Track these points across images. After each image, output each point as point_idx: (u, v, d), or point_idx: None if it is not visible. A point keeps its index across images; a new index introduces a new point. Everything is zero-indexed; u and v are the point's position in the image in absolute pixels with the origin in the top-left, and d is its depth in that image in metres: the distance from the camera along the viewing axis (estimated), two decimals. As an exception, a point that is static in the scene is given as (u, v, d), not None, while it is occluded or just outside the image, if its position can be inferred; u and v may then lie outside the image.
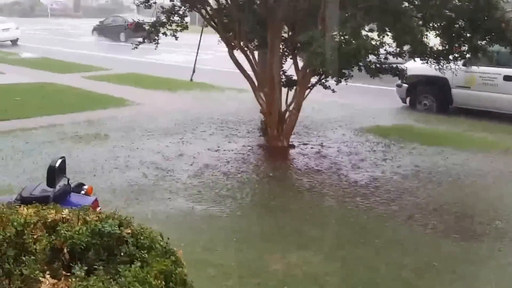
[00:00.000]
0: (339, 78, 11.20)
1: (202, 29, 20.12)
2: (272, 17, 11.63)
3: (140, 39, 12.63)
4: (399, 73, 12.09)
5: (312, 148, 12.43)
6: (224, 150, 12.09)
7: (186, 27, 12.97)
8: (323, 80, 12.21)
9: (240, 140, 12.98)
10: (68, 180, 5.71)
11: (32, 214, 3.57)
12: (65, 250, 3.32)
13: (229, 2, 12.18)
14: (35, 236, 3.39)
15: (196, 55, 21.33)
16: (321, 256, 7.32)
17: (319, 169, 11.06)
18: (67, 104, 16.53)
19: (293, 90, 12.35)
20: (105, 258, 3.35)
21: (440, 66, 11.65)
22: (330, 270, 7.00)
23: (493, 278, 6.95)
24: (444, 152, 11.99)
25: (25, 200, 4.98)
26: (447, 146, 12.43)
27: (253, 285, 6.60)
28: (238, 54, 12.52)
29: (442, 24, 10.77)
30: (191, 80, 20.66)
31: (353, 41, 9.59)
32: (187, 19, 13.25)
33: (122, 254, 3.38)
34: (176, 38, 12.68)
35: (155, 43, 12.68)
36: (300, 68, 11.91)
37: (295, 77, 12.29)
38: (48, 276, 3.12)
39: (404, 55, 11.75)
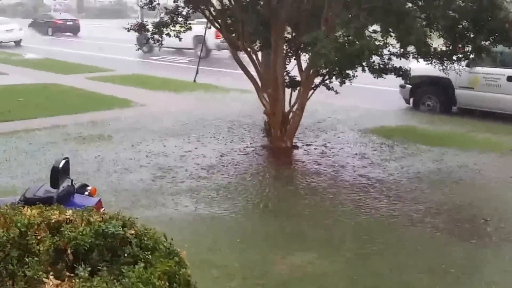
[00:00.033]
0: (343, 79, 11.20)
1: (205, 29, 20.19)
2: (275, 18, 11.62)
3: (147, 40, 12.61)
4: (402, 73, 12.08)
5: (315, 149, 12.42)
6: (228, 151, 12.08)
7: (189, 28, 12.97)
8: (326, 81, 12.20)
9: (243, 140, 12.97)
10: (72, 181, 5.71)
11: (36, 215, 3.56)
12: (68, 251, 3.32)
13: (233, 3, 12.19)
14: (38, 237, 3.38)
15: (199, 56, 21.37)
16: (325, 258, 7.30)
17: (322, 170, 11.05)
18: (70, 105, 16.53)
19: (296, 91, 12.34)
20: (109, 259, 3.35)
21: (443, 66, 11.64)
22: (334, 271, 6.98)
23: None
24: (448, 153, 11.97)
25: (28, 201, 4.97)
26: (451, 147, 12.41)
27: (257, 286, 6.60)
28: (241, 54, 12.53)
29: (446, 24, 10.75)
30: (195, 81, 20.68)
31: (357, 42, 9.59)
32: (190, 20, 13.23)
33: (125, 255, 3.38)
34: (180, 39, 12.69)
35: (159, 44, 12.68)
36: (303, 69, 11.90)
37: (298, 78, 12.30)
38: (51, 277, 3.12)
39: (407, 55, 11.74)
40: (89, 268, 3.21)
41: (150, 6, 12.66)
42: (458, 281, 6.86)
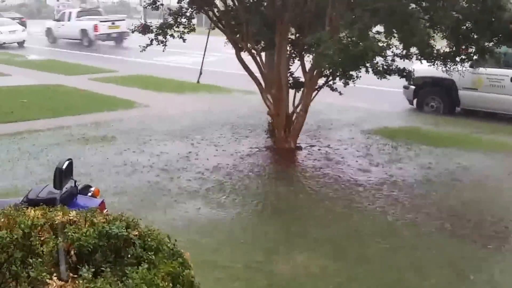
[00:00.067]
0: (347, 80, 11.19)
1: (209, 31, 20.17)
2: (279, 18, 11.62)
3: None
4: (406, 74, 12.07)
5: (319, 149, 12.41)
6: (232, 152, 12.08)
7: (193, 29, 12.97)
8: (330, 82, 12.20)
9: (247, 141, 12.97)
10: (75, 182, 5.71)
11: (39, 216, 3.56)
12: (72, 252, 3.31)
13: (237, 3, 12.19)
14: (42, 238, 3.38)
15: (203, 57, 21.36)
16: (329, 258, 7.30)
17: (326, 171, 11.03)
18: (74, 106, 16.52)
19: (300, 92, 12.34)
20: (112, 260, 3.34)
21: (447, 67, 11.62)
22: (337, 272, 6.98)
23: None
24: (452, 154, 11.96)
25: (32, 202, 4.97)
26: (454, 148, 12.40)
27: (261, 287, 6.59)
28: (245, 55, 12.52)
29: (449, 26, 10.74)
30: (198, 82, 20.68)
31: (361, 43, 9.57)
32: (194, 21, 13.23)
33: (129, 256, 3.37)
34: (184, 40, 12.68)
35: (163, 45, 12.68)
36: (307, 70, 11.90)
37: (302, 79, 12.29)
38: (55, 278, 3.12)
39: (411, 56, 11.72)
40: (93, 269, 3.20)
41: (154, 6, 12.66)
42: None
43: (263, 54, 12.64)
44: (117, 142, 12.75)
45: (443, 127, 14.66)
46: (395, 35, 10.57)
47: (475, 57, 11.55)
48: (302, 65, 12.17)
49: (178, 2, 12.73)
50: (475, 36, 10.92)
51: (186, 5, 12.61)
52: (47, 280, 3.09)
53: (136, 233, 3.51)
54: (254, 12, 11.96)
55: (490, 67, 14.74)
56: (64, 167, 5.35)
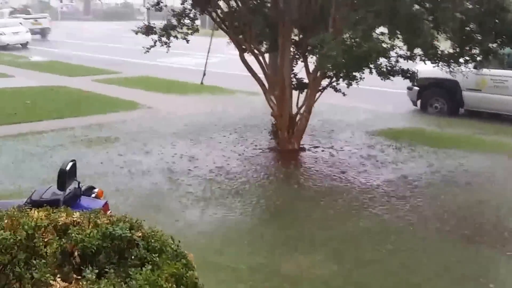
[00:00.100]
0: (350, 81, 11.18)
1: (213, 32, 20.17)
2: (282, 20, 11.62)
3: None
4: (410, 75, 12.05)
5: (323, 151, 12.40)
6: (235, 153, 12.07)
7: (196, 30, 12.97)
8: (334, 83, 12.19)
9: (250, 143, 12.96)
10: (79, 183, 5.71)
11: (43, 217, 3.55)
12: (76, 253, 3.31)
13: (240, 5, 12.19)
14: (45, 240, 3.37)
15: (207, 58, 21.37)
16: (333, 260, 7.28)
17: (329, 172, 11.03)
18: (77, 108, 16.53)
19: (304, 93, 12.33)
20: (116, 261, 3.33)
21: (451, 69, 11.61)
22: (341, 273, 6.97)
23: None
24: (456, 155, 11.94)
25: (35, 203, 4.96)
26: (458, 149, 12.38)
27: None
28: (248, 57, 12.52)
29: (453, 27, 10.72)
30: (202, 83, 20.69)
31: (364, 44, 9.56)
32: (197, 22, 13.23)
33: (133, 257, 3.36)
34: (187, 41, 12.69)
35: (166, 46, 12.67)
36: (311, 71, 11.89)
37: (306, 80, 12.29)
38: (59, 280, 3.11)
39: (415, 58, 11.71)
40: (96, 270, 3.19)
41: (157, 7, 12.66)
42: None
43: (266, 55, 12.64)
44: (121, 143, 12.75)
45: (447, 128, 14.65)
46: (399, 36, 10.55)
47: (479, 58, 11.53)
48: (306, 66, 12.18)
49: (181, 3, 12.74)
50: (479, 37, 10.91)
51: (189, 6, 12.61)
52: (51, 282, 3.08)
53: (140, 234, 3.51)
54: (257, 13, 11.96)
55: (494, 68, 14.72)
56: (67, 168, 5.36)
